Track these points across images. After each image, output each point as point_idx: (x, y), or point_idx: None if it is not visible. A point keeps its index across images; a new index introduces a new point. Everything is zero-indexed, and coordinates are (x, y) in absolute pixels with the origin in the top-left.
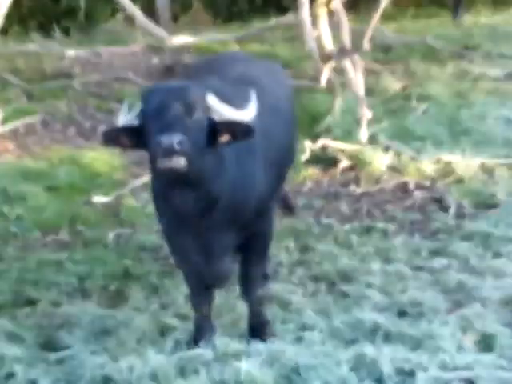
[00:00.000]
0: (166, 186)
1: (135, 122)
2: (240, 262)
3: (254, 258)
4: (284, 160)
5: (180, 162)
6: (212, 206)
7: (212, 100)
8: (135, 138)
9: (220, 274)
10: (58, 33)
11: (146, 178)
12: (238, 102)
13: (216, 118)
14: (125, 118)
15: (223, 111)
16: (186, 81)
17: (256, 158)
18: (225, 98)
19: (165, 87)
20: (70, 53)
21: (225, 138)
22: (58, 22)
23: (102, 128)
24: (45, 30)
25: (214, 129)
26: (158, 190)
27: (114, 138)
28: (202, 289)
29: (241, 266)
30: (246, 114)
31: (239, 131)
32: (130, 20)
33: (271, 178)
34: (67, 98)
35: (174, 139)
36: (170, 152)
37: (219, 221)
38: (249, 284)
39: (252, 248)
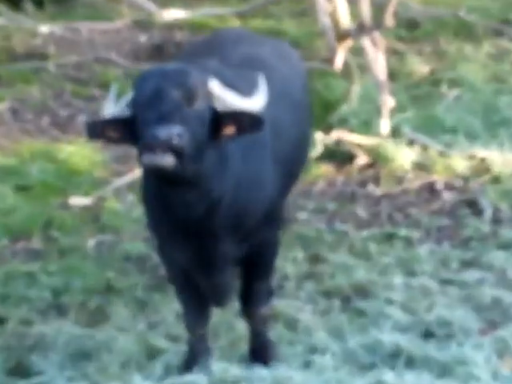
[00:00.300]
0: (161, 186)
1: (125, 113)
2: (241, 276)
3: (259, 271)
4: (297, 157)
5: (169, 160)
6: (213, 208)
7: (214, 86)
8: (125, 131)
9: (222, 288)
10: (28, 4)
11: (131, 176)
12: (243, 89)
13: (219, 107)
14: (113, 107)
15: (227, 99)
16: (183, 63)
17: (264, 154)
18: (227, 84)
19: (159, 71)
20: (44, 29)
21: (229, 131)
22: None
23: (84, 119)
24: (14, 1)
25: (217, 120)
26: (150, 191)
27: (100, 131)
28: (198, 306)
29: (242, 280)
30: (255, 103)
31: (247, 123)
32: None
33: (282, 177)
34: (40, 83)
35: (172, 132)
36: (168, 146)
37: (221, 227)
38: (251, 301)
39: (256, 260)
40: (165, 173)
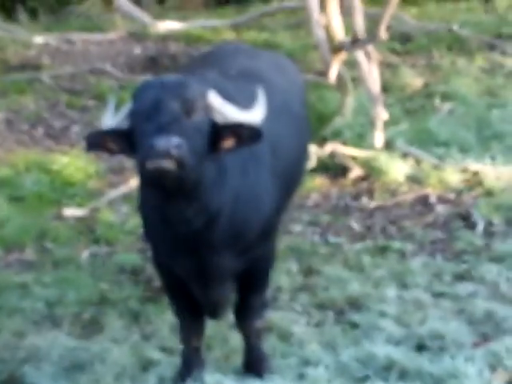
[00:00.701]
0: (159, 198)
1: (123, 124)
2: (237, 289)
3: (254, 284)
4: (295, 171)
5: (171, 165)
6: (212, 222)
7: (214, 98)
8: (124, 142)
9: (218, 301)
10: (23, 15)
11: (125, 188)
12: (242, 101)
13: (218, 119)
14: (111, 118)
15: (227, 111)
16: (182, 75)
17: (263, 168)
18: (226, 96)
19: (159, 82)
20: (38, 39)
21: (228, 144)
22: (23, 2)
23: (80, 130)
24: (7, 11)
25: (217, 132)
26: (148, 203)
27: (99, 142)
28: (193, 318)
29: (238, 293)
30: (254, 116)
31: (246, 135)
32: (107, 2)
33: (280, 191)
34: (34, 94)
35: (171, 142)
36: (163, 155)
37: (220, 241)
38: (246, 314)
39: (252, 274)
40: (166, 182)
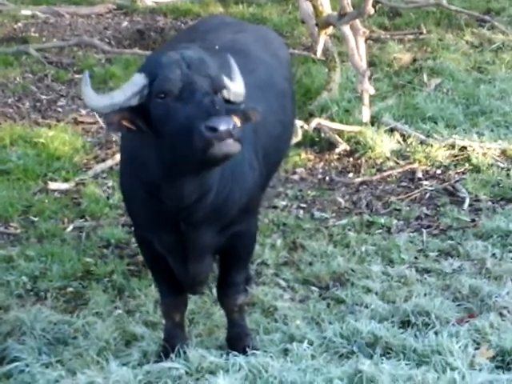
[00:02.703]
0: (167, 176)
1: (135, 101)
2: (220, 265)
3: (236, 260)
4: (279, 148)
5: (237, 146)
6: (203, 197)
7: (224, 76)
8: (141, 119)
9: (197, 276)
10: None
11: (111, 162)
12: (226, 75)
13: (226, 96)
14: (123, 94)
15: (231, 87)
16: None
17: (246, 144)
18: None
19: (180, 58)
20: (25, 12)
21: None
22: None
23: (70, 105)
24: None
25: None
26: (137, 178)
27: (119, 122)
28: (176, 293)
29: (220, 269)
30: (239, 85)
31: (249, 118)
32: None
33: (263, 168)
34: (21, 66)
35: (232, 125)
36: (228, 137)
37: (203, 216)
38: (229, 290)
39: (234, 250)
40: (219, 163)
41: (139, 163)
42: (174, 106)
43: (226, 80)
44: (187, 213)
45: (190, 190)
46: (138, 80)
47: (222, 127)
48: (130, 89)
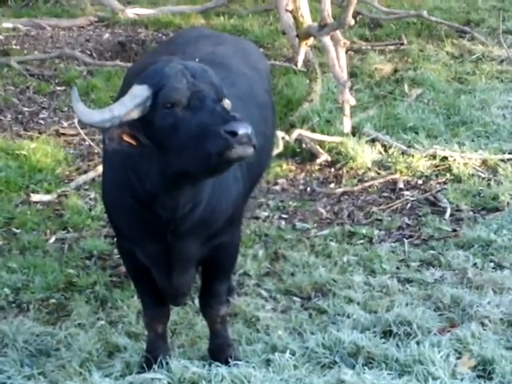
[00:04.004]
0: (163, 187)
1: (137, 113)
2: (202, 276)
3: (219, 271)
4: (260, 160)
5: (252, 150)
6: (195, 208)
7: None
8: (141, 132)
9: (182, 287)
10: None
11: (93, 173)
12: None
13: None
14: (124, 107)
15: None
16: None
17: None
18: None
19: (183, 67)
20: (6, 25)
21: None
22: None
23: (52, 117)
24: None
25: None
26: (126, 188)
27: (119, 137)
28: (158, 304)
29: (203, 280)
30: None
31: None
32: None
33: (246, 179)
34: (3, 79)
35: (249, 128)
36: (246, 141)
37: (188, 227)
38: (212, 301)
39: (217, 261)
40: (227, 168)
41: (133, 175)
42: (184, 115)
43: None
44: (177, 224)
45: (186, 201)
46: (140, 92)
47: (242, 131)
48: (131, 101)
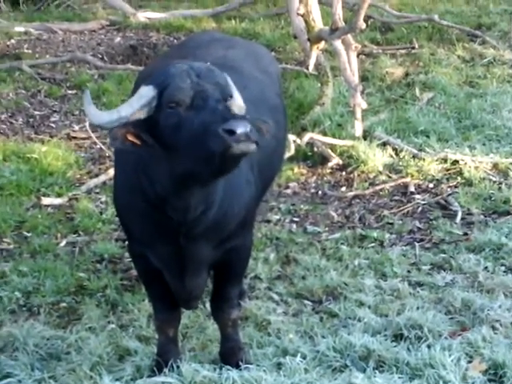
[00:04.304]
0: (173, 187)
1: (143, 113)
2: (214, 279)
3: (231, 275)
4: (272, 163)
5: (254, 147)
6: (207, 210)
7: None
8: (146, 133)
9: (195, 290)
10: (3, 4)
11: (104, 177)
12: None
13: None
14: (130, 108)
15: (238, 100)
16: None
17: (243, 159)
18: None
19: (189, 68)
20: (18, 29)
21: None
22: None
23: (63, 121)
24: None
25: None
26: (144, 191)
27: (123, 136)
28: (170, 308)
29: (215, 283)
30: (240, 100)
31: (263, 130)
32: None
33: (258, 183)
34: (14, 83)
35: (248, 126)
36: (245, 140)
37: (201, 230)
38: (222, 304)
39: (229, 264)
40: (233, 166)
41: (144, 178)
42: (187, 114)
43: (233, 89)
44: (189, 227)
45: (197, 203)
46: (146, 92)
47: (240, 130)
48: (137, 102)
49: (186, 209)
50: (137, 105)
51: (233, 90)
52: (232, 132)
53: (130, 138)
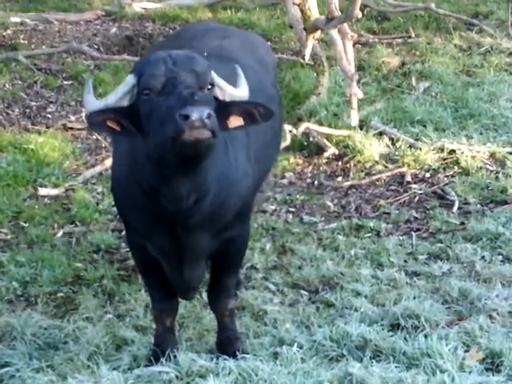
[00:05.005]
0: (161, 176)
1: (126, 101)
2: (211, 270)
3: (228, 265)
4: (269, 153)
5: (208, 135)
6: (199, 201)
7: (214, 74)
8: (127, 120)
9: (190, 281)
10: None
11: (100, 167)
12: None
13: (218, 95)
14: (101, 103)
15: (226, 88)
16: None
17: (240, 150)
18: None
19: (168, 56)
20: (14, 19)
21: (236, 122)
22: None
23: (59, 111)
24: None
25: (221, 109)
26: (133, 181)
27: (102, 122)
28: (167, 298)
29: (212, 273)
30: (243, 92)
31: (259, 114)
32: None
33: (255, 173)
34: (11, 73)
35: (205, 112)
36: (200, 126)
37: (199, 220)
38: (219, 294)
39: (226, 254)
40: (196, 154)
41: (136, 166)
42: (158, 100)
43: (217, 78)
44: (185, 216)
45: (187, 192)
46: (128, 80)
47: (195, 115)
48: (121, 89)
49: (177, 198)
50: (120, 92)
51: (217, 80)
52: (186, 117)
53: (110, 123)
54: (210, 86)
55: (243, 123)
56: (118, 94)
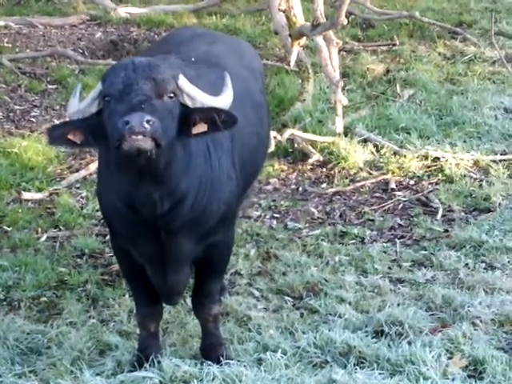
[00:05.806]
0: (128, 182)
1: (92, 109)
2: (195, 275)
3: (212, 270)
4: (254, 158)
5: (148, 143)
6: (176, 207)
7: (184, 81)
8: (89, 131)
9: (174, 287)
10: None
11: (85, 172)
12: (202, 88)
13: (188, 103)
14: (77, 104)
15: (196, 95)
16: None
17: (224, 155)
18: (189, 81)
19: (129, 63)
20: None
21: (200, 128)
22: None
23: (44, 115)
24: None
25: (188, 116)
26: (111, 187)
27: (63, 135)
28: (151, 303)
29: (196, 279)
30: (223, 101)
31: (221, 121)
32: None
33: (240, 179)
34: None
35: (144, 119)
36: (139, 132)
37: (181, 226)
38: (203, 300)
39: (210, 260)
40: (140, 161)
41: (111, 173)
42: (114, 107)
43: (187, 86)
44: (165, 222)
45: (159, 197)
46: (98, 86)
47: (134, 121)
48: (90, 95)
49: (151, 204)
50: (89, 99)
51: (187, 88)
52: (127, 122)
53: (71, 136)
54: (171, 94)
55: (206, 129)
56: (88, 100)
